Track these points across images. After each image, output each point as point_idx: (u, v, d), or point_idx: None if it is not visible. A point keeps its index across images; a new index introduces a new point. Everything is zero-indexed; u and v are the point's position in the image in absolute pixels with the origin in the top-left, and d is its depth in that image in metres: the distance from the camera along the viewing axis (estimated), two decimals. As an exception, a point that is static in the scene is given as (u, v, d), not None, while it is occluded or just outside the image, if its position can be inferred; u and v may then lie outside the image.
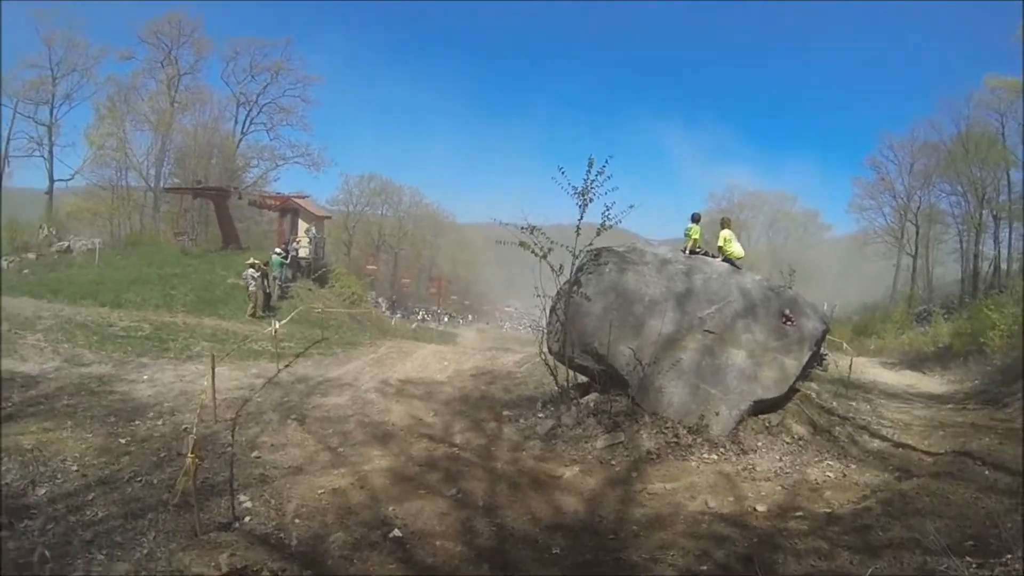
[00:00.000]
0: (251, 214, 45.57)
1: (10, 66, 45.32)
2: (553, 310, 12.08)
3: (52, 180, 45.03)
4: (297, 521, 7.27)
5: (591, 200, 11.29)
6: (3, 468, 8.11)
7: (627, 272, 11.69)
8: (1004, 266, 41.92)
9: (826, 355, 15.65)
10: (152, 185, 47.77)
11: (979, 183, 43.38)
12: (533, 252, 11.38)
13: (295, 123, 52.92)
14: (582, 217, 11.45)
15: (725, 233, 12.94)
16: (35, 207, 44.02)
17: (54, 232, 35.78)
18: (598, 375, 11.29)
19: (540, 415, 11.48)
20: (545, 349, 12.46)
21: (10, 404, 10.58)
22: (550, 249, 11.47)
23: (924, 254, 50.58)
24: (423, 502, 7.82)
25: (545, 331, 12.51)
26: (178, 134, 48.66)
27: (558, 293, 11.96)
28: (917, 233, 50.62)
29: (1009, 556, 5.70)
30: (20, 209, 42.11)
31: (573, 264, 11.72)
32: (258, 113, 51.67)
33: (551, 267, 11.53)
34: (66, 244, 33.21)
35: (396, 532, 6.96)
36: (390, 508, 7.61)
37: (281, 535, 6.92)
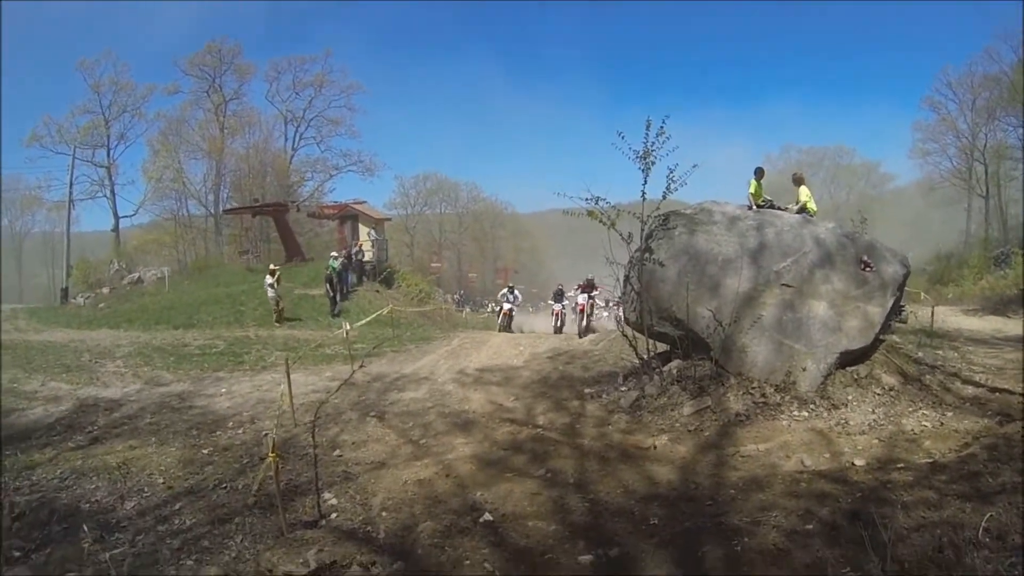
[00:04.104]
0: (311, 226, 46.51)
1: (64, 114, 47.23)
2: (627, 279, 11.71)
3: (117, 218, 46.91)
4: (384, 514, 7.10)
5: (654, 163, 10.88)
6: (91, 487, 8.24)
7: (697, 233, 11.24)
8: (1085, 197, 39.50)
9: (904, 307, 15.03)
10: (212, 210, 49.33)
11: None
12: (601, 221, 11.05)
13: (344, 132, 53.97)
14: (646, 181, 11.02)
15: (806, 190, 12.62)
16: (104, 246, 45.89)
17: (124, 266, 37.25)
18: (678, 341, 10.86)
19: (623, 388, 11.16)
20: (622, 320, 12.16)
21: (95, 428, 10.79)
22: (617, 215, 11.16)
23: (996, 193, 48.23)
24: (512, 485, 7.56)
25: (620, 302, 12.27)
26: (231, 158, 50.04)
27: (630, 261, 11.59)
28: (986, 172, 48.36)
29: None
30: (90, 249, 44.02)
31: (642, 231, 11.34)
32: (306, 128, 52.83)
33: (620, 235, 11.18)
34: (136, 276, 34.47)
35: (487, 516, 6.71)
36: (478, 493, 7.38)
37: (369, 529, 6.77)
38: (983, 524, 5.01)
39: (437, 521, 6.76)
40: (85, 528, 6.51)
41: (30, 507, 7.61)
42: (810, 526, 5.77)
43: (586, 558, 5.76)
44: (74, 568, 6.20)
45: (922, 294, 23.77)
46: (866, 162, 71.65)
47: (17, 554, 6.58)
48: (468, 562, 5.85)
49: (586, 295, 20.98)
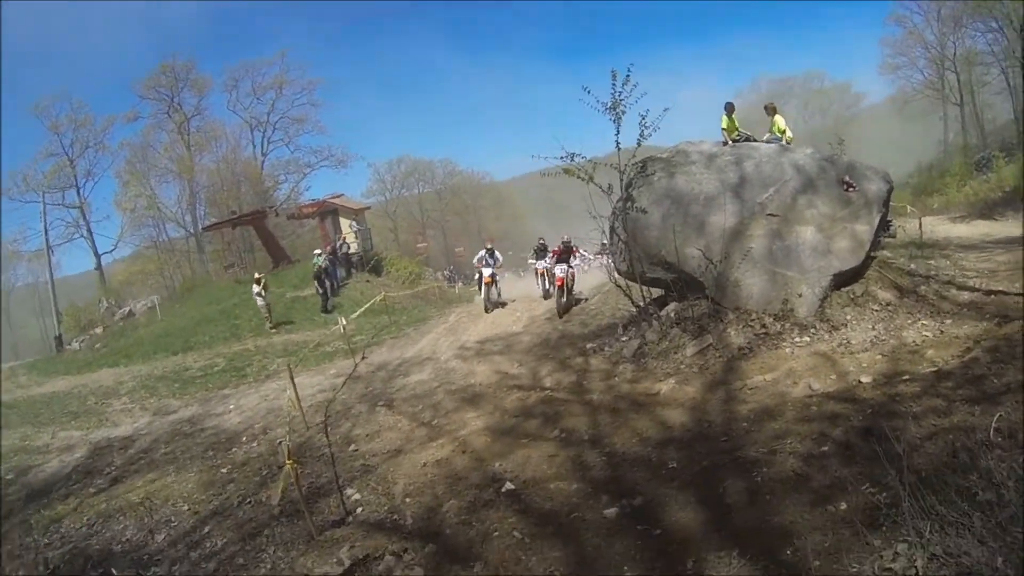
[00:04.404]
0: (292, 228, 46.08)
1: (26, 161, 46.48)
2: (612, 230, 11.77)
3: (98, 255, 46.17)
4: (408, 500, 7.18)
5: (624, 112, 10.90)
6: (120, 527, 8.30)
7: (676, 175, 11.22)
8: (1058, 92, 39.19)
9: (892, 222, 15.04)
10: (191, 230, 48.66)
11: (1014, 13, 40.30)
12: (579, 177, 11.09)
13: (311, 130, 52.87)
14: (619, 131, 11.07)
15: (781, 119, 12.61)
16: (90, 286, 45.50)
17: (113, 302, 36.93)
18: (672, 284, 10.90)
19: (624, 338, 11.21)
20: (614, 271, 12.18)
21: (113, 468, 10.76)
22: (594, 168, 11.16)
23: (970, 100, 47.91)
24: (528, 451, 7.65)
25: (605, 252, 12.20)
26: (202, 175, 49.14)
27: (613, 212, 11.62)
28: (959, 80, 47.89)
29: None
30: (77, 292, 43.65)
31: (621, 181, 11.36)
32: (273, 131, 51.58)
33: (600, 188, 11.21)
34: (127, 309, 34.24)
35: (508, 486, 6.79)
36: (497, 464, 7.45)
37: (395, 517, 6.85)
38: (993, 425, 5.04)
39: (460, 498, 6.84)
40: (114, 572, 6.53)
41: (63, 559, 7.64)
42: (825, 448, 5.84)
43: (611, 511, 5.83)
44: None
45: (908, 207, 23.78)
46: (837, 84, 70.92)
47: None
48: (497, 533, 5.92)
49: (565, 264, 16.70)
